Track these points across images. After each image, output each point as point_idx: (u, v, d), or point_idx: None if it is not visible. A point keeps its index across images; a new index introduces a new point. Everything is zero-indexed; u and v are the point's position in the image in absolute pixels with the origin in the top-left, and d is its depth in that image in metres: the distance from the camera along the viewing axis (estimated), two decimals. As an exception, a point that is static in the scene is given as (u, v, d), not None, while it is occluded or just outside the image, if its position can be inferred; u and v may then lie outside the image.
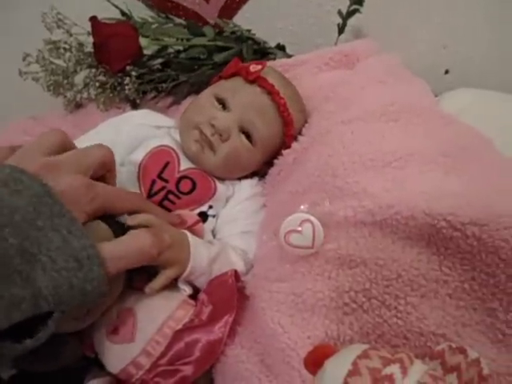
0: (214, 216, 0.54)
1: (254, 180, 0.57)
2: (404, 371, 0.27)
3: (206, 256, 0.44)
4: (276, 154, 0.55)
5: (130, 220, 0.39)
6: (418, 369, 0.28)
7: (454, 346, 0.29)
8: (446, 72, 0.92)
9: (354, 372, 0.27)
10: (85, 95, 0.77)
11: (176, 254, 0.41)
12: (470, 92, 0.79)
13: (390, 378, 0.27)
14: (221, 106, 0.52)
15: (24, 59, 0.74)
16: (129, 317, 0.40)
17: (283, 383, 0.35)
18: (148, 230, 0.37)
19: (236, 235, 0.53)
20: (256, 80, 0.52)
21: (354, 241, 0.41)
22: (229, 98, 0.52)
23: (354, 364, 0.28)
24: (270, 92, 0.52)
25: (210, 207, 0.54)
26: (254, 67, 0.52)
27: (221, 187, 0.54)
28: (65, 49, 0.74)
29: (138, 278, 0.41)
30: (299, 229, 0.40)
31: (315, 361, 0.30)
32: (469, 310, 0.36)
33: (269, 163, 0.57)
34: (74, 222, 0.30)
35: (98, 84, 0.68)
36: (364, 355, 0.29)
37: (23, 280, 0.28)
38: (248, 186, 0.56)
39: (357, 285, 0.37)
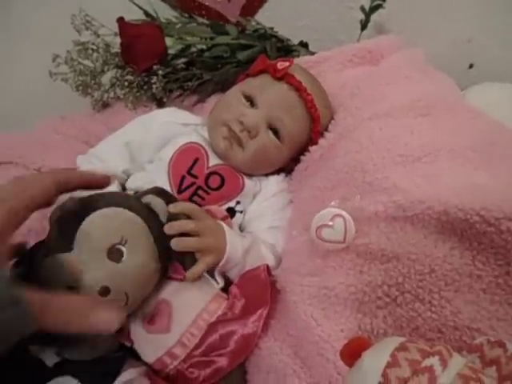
0: (241, 212, 0.55)
1: (281, 176, 0.58)
2: (444, 363, 0.27)
3: (240, 246, 0.45)
4: (303, 150, 0.56)
5: (172, 208, 0.40)
6: (457, 361, 0.28)
7: (492, 339, 0.29)
8: (471, 66, 0.91)
9: (393, 363, 0.28)
10: (111, 95, 0.79)
11: (214, 242, 0.42)
12: (495, 86, 0.78)
13: (430, 369, 0.27)
14: (249, 103, 0.53)
15: (53, 60, 0.76)
16: (165, 308, 0.41)
17: (318, 374, 0.35)
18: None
19: (264, 230, 0.53)
20: (284, 77, 0.53)
21: (385, 236, 0.41)
22: (257, 95, 0.53)
23: (393, 356, 0.28)
24: (298, 89, 0.53)
25: (238, 203, 0.55)
26: (281, 64, 0.53)
27: (248, 183, 0.55)
28: (92, 50, 0.76)
29: (174, 269, 0.42)
30: (331, 223, 0.41)
31: (352, 352, 0.31)
32: (503, 305, 0.36)
33: (295, 160, 0.58)
34: None
35: (126, 83, 0.70)
36: (402, 347, 0.29)
37: None
38: (275, 182, 0.57)
39: (389, 279, 0.37)
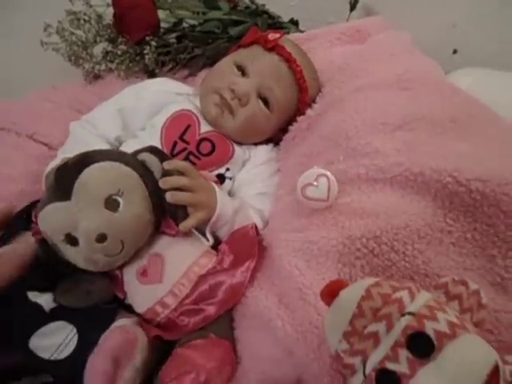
0: (230, 178, 0.57)
1: (269, 146, 0.60)
2: (412, 296, 0.31)
3: (230, 206, 0.47)
4: (291, 120, 0.58)
5: (166, 164, 0.42)
6: (424, 295, 0.31)
7: (456, 278, 0.33)
8: (455, 52, 0.94)
9: (367, 297, 0.31)
10: (103, 67, 0.80)
11: (206, 199, 0.44)
12: (476, 71, 0.81)
13: (400, 300, 0.30)
14: (240, 72, 0.55)
15: (45, 30, 0.76)
16: (157, 261, 0.44)
17: (300, 317, 0.38)
18: None
19: (252, 196, 0.56)
20: (274, 48, 0.55)
21: (366, 195, 0.44)
22: (248, 65, 0.55)
23: (367, 291, 0.31)
24: (288, 60, 0.55)
25: (228, 170, 0.57)
26: (272, 36, 0.55)
27: (238, 150, 0.57)
28: (84, 20, 0.76)
29: (167, 224, 0.45)
30: (315, 183, 0.43)
31: (331, 292, 0.33)
32: (470, 257, 0.40)
33: (283, 130, 0.60)
34: None
35: (119, 53, 0.70)
36: (376, 284, 0.32)
37: None
38: (264, 151, 0.59)
39: (368, 232, 0.40)
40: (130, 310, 0.47)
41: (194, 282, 0.44)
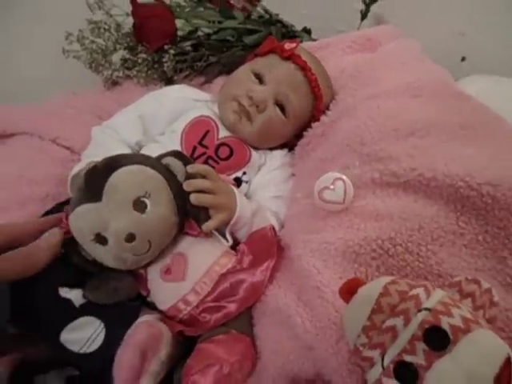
0: (246, 182, 0.59)
1: (284, 151, 0.63)
2: (428, 293, 0.32)
3: (249, 208, 0.49)
4: (306, 127, 0.60)
5: (190, 168, 0.44)
6: (439, 293, 0.33)
7: (469, 277, 0.34)
8: (463, 59, 0.96)
9: (384, 294, 0.33)
10: (121, 74, 0.83)
11: (227, 201, 0.47)
12: (484, 78, 0.83)
13: (416, 297, 0.32)
14: (258, 80, 0.57)
15: (66, 38, 0.79)
16: (181, 260, 0.46)
17: (318, 314, 0.40)
18: None
19: (268, 199, 0.58)
20: (290, 57, 0.57)
21: (380, 199, 0.46)
22: (265, 73, 0.57)
23: (385, 288, 0.33)
24: (303, 68, 0.57)
25: (244, 173, 0.59)
26: (288, 45, 0.57)
27: (255, 155, 0.59)
28: (104, 29, 0.79)
29: (189, 225, 0.47)
30: (332, 186, 0.45)
31: (349, 289, 0.35)
32: (481, 258, 0.41)
33: (298, 136, 0.62)
34: None
35: (140, 61, 0.73)
36: (393, 282, 0.34)
37: None
38: (279, 156, 0.61)
39: (383, 234, 0.42)
40: (152, 307, 0.49)
41: (215, 281, 0.46)
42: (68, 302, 0.42)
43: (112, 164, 0.43)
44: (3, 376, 0.45)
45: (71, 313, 0.42)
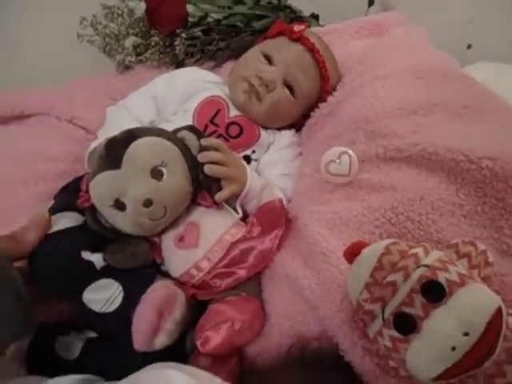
0: (256, 160, 0.62)
1: (292, 131, 0.65)
2: (426, 252, 0.35)
3: (258, 182, 0.52)
4: (313, 107, 0.62)
5: (203, 141, 0.47)
6: (437, 252, 0.35)
7: (466, 240, 0.37)
8: (469, 47, 0.97)
9: (386, 253, 0.35)
10: (133, 58, 0.85)
11: (238, 173, 0.49)
12: (489, 65, 0.85)
13: (416, 255, 0.34)
14: (267, 61, 0.60)
15: (81, 23, 0.81)
16: (194, 228, 0.48)
17: (324, 277, 0.42)
18: None
19: (276, 176, 0.60)
20: (299, 39, 0.59)
21: (384, 173, 0.48)
22: (275, 55, 0.59)
23: (387, 248, 0.35)
24: (312, 50, 0.59)
25: (253, 152, 0.61)
26: (297, 27, 0.59)
27: (264, 134, 0.61)
28: (118, 14, 0.82)
29: (202, 196, 0.49)
30: (338, 160, 0.48)
31: (354, 251, 0.38)
32: (480, 228, 0.44)
33: (305, 117, 0.64)
34: None
35: (153, 43, 0.76)
36: (394, 243, 0.36)
37: None
38: (287, 136, 0.64)
39: (386, 204, 0.44)
40: (165, 276, 0.51)
41: (226, 249, 0.48)
42: (90, 264, 0.45)
43: (131, 135, 0.45)
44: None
45: (93, 274, 0.45)
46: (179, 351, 0.47)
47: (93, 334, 0.50)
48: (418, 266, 0.33)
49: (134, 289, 0.46)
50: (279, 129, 0.64)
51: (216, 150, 0.49)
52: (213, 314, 0.43)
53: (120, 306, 0.46)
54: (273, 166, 0.61)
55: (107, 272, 0.46)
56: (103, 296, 0.45)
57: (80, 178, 0.56)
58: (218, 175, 0.48)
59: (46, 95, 0.75)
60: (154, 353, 0.44)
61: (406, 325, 0.32)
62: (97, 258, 0.46)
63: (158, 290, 0.43)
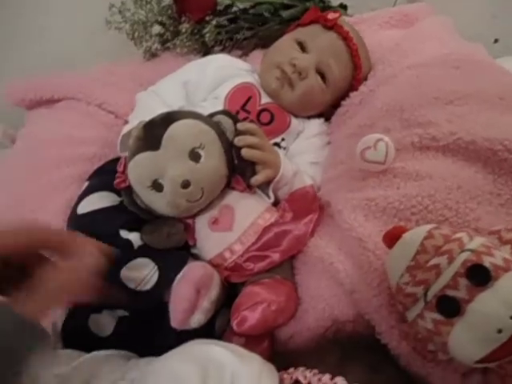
0: (284, 148, 0.62)
1: (321, 120, 0.65)
2: (470, 237, 0.35)
3: (291, 168, 0.52)
4: (343, 96, 0.62)
5: (240, 125, 0.47)
6: (480, 238, 0.35)
7: (509, 227, 0.37)
8: (496, 41, 0.96)
9: (428, 237, 0.35)
10: (160, 46, 0.85)
11: (273, 158, 0.49)
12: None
13: (460, 239, 0.34)
14: (300, 48, 0.60)
15: (110, 9, 0.82)
16: (228, 211, 0.49)
17: (360, 261, 0.43)
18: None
19: (305, 164, 0.60)
20: (334, 27, 0.59)
21: (419, 161, 0.48)
22: (308, 42, 0.59)
23: (429, 232, 0.36)
24: (346, 38, 0.59)
25: (283, 139, 0.62)
26: (331, 15, 0.59)
27: (294, 122, 0.62)
28: (146, 1, 0.82)
29: (236, 180, 0.50)
30: (374, 147, 0.47)
31: (394, 235, 0.38)
32: (517, 217, 0.44)
33: (334, 106, 0.64)
34: None
35: (183, 30, 0.76)
36: (437, 228, 0.36)
37: None
38: (316, 124, 0.64)
39: (423, 191, 0.44)
40: (195, 259, 0.52)
41: (260, 233, 0.49)
42: (128, 242, 0.46)
43: (170, 117, 0.46)
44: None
45: (130, 252, 0.46)
46: (208, 332, 0.48)
47: (125, 313, 0.51)
48: (463, 251, 0.33)
49: (168, 269, 0.47)
50: (309, 117, 0.64)
51: (252, 134, 0.49)
52: (249, 295, 0.44)
53: (155, 285, 0.46)
54: (302, 154, 0.61)
55: (144, 251, 0.47)
56: (140, 275, 0.46)
57: (114, 160, 0.57)
58: (254, 159, 0.48)
59: (77, 80, 0.76)
60: (186, 332, 0.44)
61: (449, 307, 0.33)
62: (134, 237, 0.46)
63: (197, 269, 0.44)
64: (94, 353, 0.44)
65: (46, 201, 0.59)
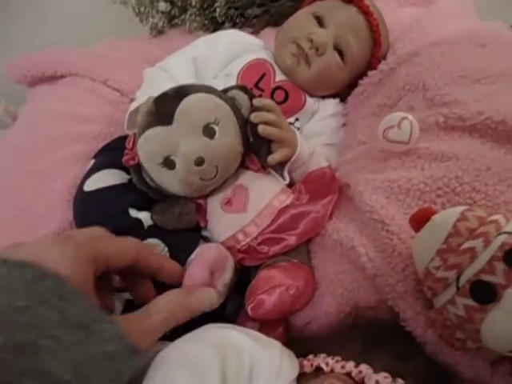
0: (298, 128, 0.59)
1: (337, 100, 0.62)
2: (506, 219, 0.33)
3: (307, 148, 0.50)
4: (361, 75, 0.60)
5: (256, 101, 0.45)
6: (517, 221, 0.33)
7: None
8: (512, 27, 0.92)
9: (462, 218, 0.33)
10: (166, 22, 0.82)
11: (290, 137, 0.47)
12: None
13: (496, 222, 0.32)
14: (318, 23, 0.56)
15: (115, -17, 0.79)
16: (242, 192, 0.47)
17: (383, 245, 0.40)
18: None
19: (320, 146, 0.58)
20: (353, 0, 0.56)
21: (444, 142, 0.46)
22: (326, 16, 0.56)
23: (462, 214, 0.33)
24: (366, 12, 0.56)
25: (297, 120, 0.59)
26: (351, -12, 0.56)
27: (310, 101, 0.59)
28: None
29: (250, 159, 0.47)
30: (398, 126, 0.45)
31: (422, 217, 0.36)
32: (549, 200, 0.41)
33: (350, 87, 0.61)
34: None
35: (193, 3, 0.73)
36: (470, 209, 0.34)
37: (34, 379, 0.22)
38: (332, 104, 0.61)
39: (450, 173, 0.42)
40: (206, 241, 0.50)
41: (275, 214, 0.46)
42: (139, 221, 0.43)
43: (183, 90, 0.43)
44: None
45: (141, 232, 0.43)
46: (219, 318, 0.46)
47: (130, 296, 0.49)
48: (500, 233, 0.31)
49: (179, 251, 0.45)
50: (323, 97, 0.61)
51: (269, 111, 0.46)
52: (265, 279, 0.42)
53: (165, 268, 0.44)
54: (317, 136, 0.59)
55: (154, 232, 0.45)
56: (150, 256, 0.43)
57: (121, 137, 0.55)
58: (271, 136, 0.45)
59: (80, 56, 0.73)
60: (198, 315, 0.42)
61: (484, 293, 0.31)
62: (144, 216, 0.44)
63: (210, 251, 0.42)
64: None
65: (50, 180, 0.56)
